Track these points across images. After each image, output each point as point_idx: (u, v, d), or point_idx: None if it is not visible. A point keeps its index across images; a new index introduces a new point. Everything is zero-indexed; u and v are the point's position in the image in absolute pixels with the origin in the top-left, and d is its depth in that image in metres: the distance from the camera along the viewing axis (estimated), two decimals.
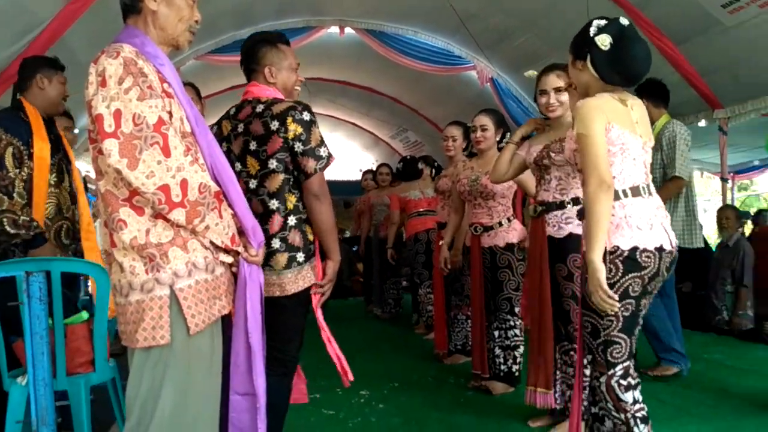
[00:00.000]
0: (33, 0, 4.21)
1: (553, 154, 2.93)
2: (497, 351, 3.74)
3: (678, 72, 5.52)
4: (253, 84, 2.40)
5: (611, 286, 2.08)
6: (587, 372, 2.42)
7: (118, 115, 1.57)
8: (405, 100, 10.21)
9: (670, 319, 3.97)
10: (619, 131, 2.13)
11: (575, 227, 2.89)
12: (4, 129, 2.79)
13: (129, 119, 1.57)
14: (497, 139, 3.78)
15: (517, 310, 3.69)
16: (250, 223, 1.88)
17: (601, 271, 2.04)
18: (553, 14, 6.22)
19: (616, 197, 2.12)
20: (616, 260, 2.09)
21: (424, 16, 7.37)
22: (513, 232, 3.69)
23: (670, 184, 3.83)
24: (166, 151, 1.61)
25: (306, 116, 2.22)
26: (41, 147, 2.87)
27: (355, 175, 8.00)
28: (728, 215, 5.74)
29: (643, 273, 2.11)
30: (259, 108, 2.27)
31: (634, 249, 2.09)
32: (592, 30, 2.18)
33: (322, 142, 2.24)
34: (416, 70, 8.09)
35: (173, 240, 1.66)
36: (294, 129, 2.19)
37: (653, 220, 2.14)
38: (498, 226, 3.71)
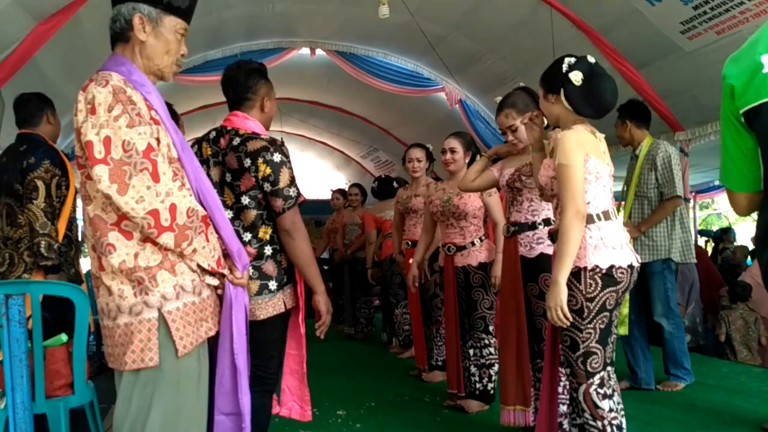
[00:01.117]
0: (2, 20, 4.19)
1: (524, 177, 3.05)
2: (473, 369, 3.78)
3: (640, 95, 5.70)
4: (234, 114, 2.42)
5: (591, 299, 2.24)
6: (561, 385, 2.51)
7: (107, 141, 1.60)
8: (375, 120, 10.30)
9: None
10: (594, 161, 2.30)
11: (546, 247, 2.99)
12: (51, 161, 3.06)
13: (119, 146, 1.60)
14: (467, 161, 3.87)
15: (491, 328, 3.75)
16: (236, 246, 1.91)
17: (564, 292, 2.20)
18: (518, 39, 6.38)
19: (591, 221, 2.29)
20: (596, 276, 2.24)
21: (394, 39, 7.47)
22: (485, 252, 3.77)
23: (668, 203, 3.96)
24: (155, 177, 1.64)
25: (277, 157, 2.26)
26: (73, 180, 3.14)
27: (327, 195, 8.03)
28: None
29: (618, 287, 2.27)
30: (236, 141, 2.31)
31: (611, 267, 2.25)
32: (565, 67, 2.34)
33: (291, 183, 2.29)
34: (386, 91, 8.20)
35: (161, 263, 1.69)
36: (263, 170, 2.24)
37: (622, 241, 2.32)
38: (470, 245, 3.78)
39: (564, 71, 2.33)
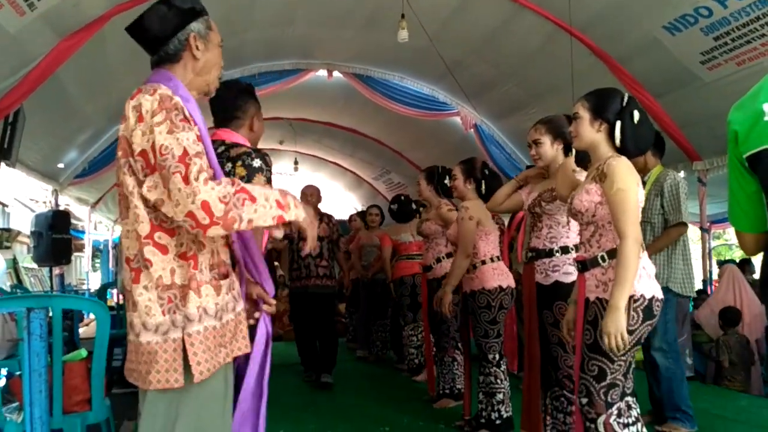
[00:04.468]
0: (27, 36, 4.24)
1: (544, 203, 3.03)
2: (480, 396, 3.69)
3: (658, 124, 5.69)
4: (224, 130, 2.48)
5: (631, 332, 2.21)
6: None
7: (153, 148, 1.60)
8: (389, 142, 10.34)
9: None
10: (641, 190, 2.31)
11: (561, 275, 2.97)
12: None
13: (158, 151, 1.59)
14: (468, 186, 3.85)
15: (490, 356, 3.61)
16: (265, 275, 1.91)
17: (625, 318, 2.18)
18: (536, 65, 6.41)
19: None
20: (638, 309, 2.23)
21: (412, 63, 7.52)
22: (476, 280, 3.68)
23: (672, 230, 3.81)
24: (186, 180, 1.57)
25: (255, 163, 2.32)
26: None
27: (338, 215, 8.00)
28: None
29: (653, 321, 2.26)
30: (220, 149, 2.33)
31: (652, 298, 2.25)
32: (625, 100, 2.37)
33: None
34: (401, 114, 8.23)
35: (190, 283, 1.66)
36: (239, 172, 2.30)
37: (654, 271, 2.32)
38: (472, 269, 3.72)
39: (624, 105, 2.36)
